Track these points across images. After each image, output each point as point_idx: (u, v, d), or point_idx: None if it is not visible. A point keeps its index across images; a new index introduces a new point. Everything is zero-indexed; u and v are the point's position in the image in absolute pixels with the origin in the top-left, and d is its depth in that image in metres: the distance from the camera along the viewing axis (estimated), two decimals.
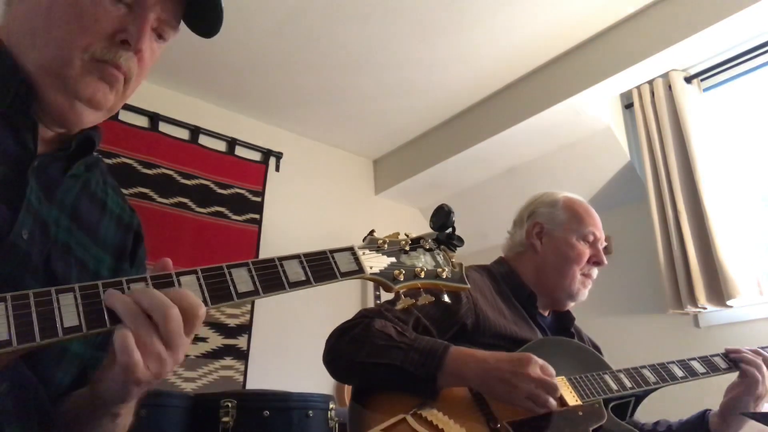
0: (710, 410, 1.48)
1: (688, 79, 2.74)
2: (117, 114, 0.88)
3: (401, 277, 0.81)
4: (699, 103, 2.72)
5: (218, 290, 0.65)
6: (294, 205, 3.54)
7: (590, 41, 2.84)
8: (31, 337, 0.54)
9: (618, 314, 2.94)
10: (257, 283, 0.68)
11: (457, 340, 1.27)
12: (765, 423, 1.23)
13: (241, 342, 3.04)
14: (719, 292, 2.42)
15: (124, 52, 0.77)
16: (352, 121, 3.59)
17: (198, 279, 0.65)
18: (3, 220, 0.69)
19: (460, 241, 0.91)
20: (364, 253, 0.80)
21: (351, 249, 0.79)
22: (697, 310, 2.54)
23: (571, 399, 1.23)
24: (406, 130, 3.70)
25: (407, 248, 0.86)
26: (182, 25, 0.86)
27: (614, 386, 1.32)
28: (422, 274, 0.83)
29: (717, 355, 1.50)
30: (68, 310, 0.57)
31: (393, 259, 0.83)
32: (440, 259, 0.88)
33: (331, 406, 2.20)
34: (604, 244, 1.60)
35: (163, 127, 3.10)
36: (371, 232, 0.85)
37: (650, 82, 2.83)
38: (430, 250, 0.88)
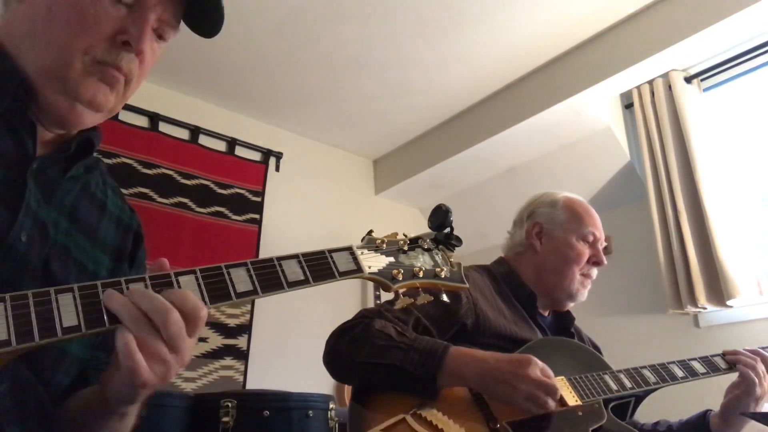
0: (711, 411, 1.48)
1: (688, 79, 2.74)
2: (117, 114, 0.87)
3: (400, 277, 0.81)
4: (699, 103, 2.72)
5: (217, 290, 0.65)
6: (294, 205, 3.54)
7: (590, 41, 2.84)
8: (30, 337, 0.54)
9: (618, 314, 2.94)
10: (256, 282, 0.68)
11: (457, 340, 1.27)
12: (765, 423, 1.23)
13: (241, 342, 3.04)
14: (719, 292, 2.42)
15: (125, 54, 0.77)
16: (352, 121, 3.59)
17: (197, 279, 0.65)
18: (2, 223, 0.68)
19: (459, 240, 0.91)
20: (362, 253, 0.80)
21: (349, 249, 0.79)
22: (697, 310, 2.54)
23: (571, 399, 1.23)
24: (406, 130, 3.70)
25: (406, 248, 0.86)
26: (182, 25, 0.86)
27: (614, 386, 1.31)
28: (421, 274, 0.83)
29: (717, 355, 1.50)
30: (67, 310, 0.57)
31: (391, 259, 0.83)
32: (439, 258, 0.88)
33: (331, 406, 2.20)
34: (604, 244, 1.60)
35: (163, 127, 3.10)
36: (370, 232, 0.85)
37: (650, 82, 2.83)
38: (428, 249, 0.88)
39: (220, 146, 3.33)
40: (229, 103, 3.37)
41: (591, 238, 1.56)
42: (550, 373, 1.15)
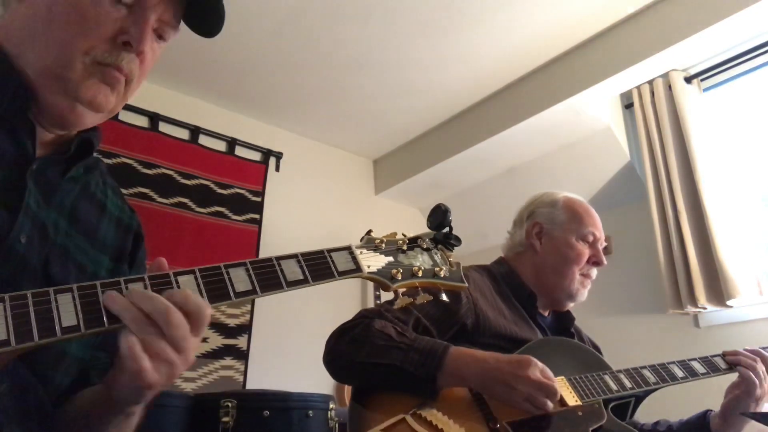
0: (711, 411, 1.48)
1: (688, 79, 2.74)
2: (117, 114, 0.87)
3: (399, 276, 0.81)
4: (699, 103, 2.72)
5: (216, 290, 0.66)
6: (294, 205, 3.54)
7: (590, 41, 2.84)
8: (30, 336, 0.54)
9: (618, 314, 2.94)
10: (255, 282, 0.68)
11: (457, 340, 1.27)
12: (765, 423, 1.23)
13: (241, 342, 3.04)
14: (719, 292, 2.42)
15: (125, 54, 0.77)
16: (352, 121, 3.59)
17: (196, 279, 0.65)
18: (1, 224, 0.68)
19: (458, 240, 0.91)
20: (361, 253, 0.80)
21: (348, 248, 0.80)
22: (697, 310, 2.54)
23: (571, 399, 1.23)
24: (406, 130, 3.70)
25: (405, 248, 0.86)
26: (182, 25, 0.86)
27: (614, 386, 1.31)
28: (420, 273, 0.83)
29: (717, 355, 1.50)
30: (66, 310, 0.57)
31: (390, 259, 0.83)
32: (438, 258, 0.88)
33: (331, 406, 2.20)
34: (604, 244, 1.60)
35: (163, 127, 3.10)
36: (369, 232, 0.85)
37: (650, 82, 2.83)
38: (427, 249, 0.88)
39: (220, 146, 3.33)
40: (229, 103, 3.37)
41: (591, 238, 1.56)
42: (550, 374, 1.14)
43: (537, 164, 3.40)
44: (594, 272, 1.58)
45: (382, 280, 0.80)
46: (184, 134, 3.19)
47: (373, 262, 0.80)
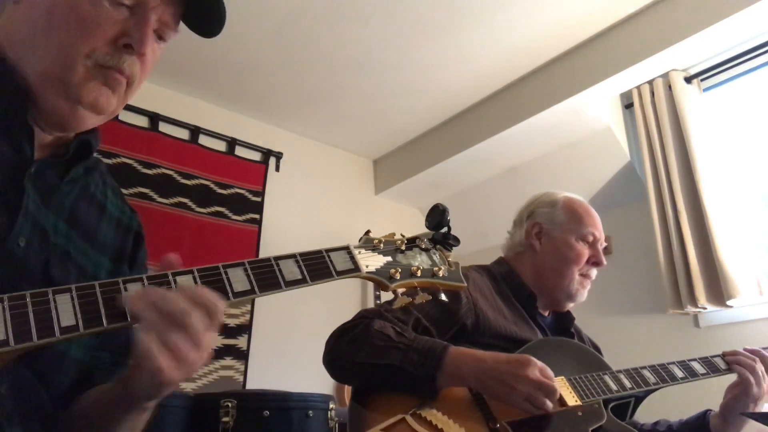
0: (711, 411, 1.48)
1: (688, 79, 2.74)
2: (117, 114, 0.87)
3: (398, 276, 0.81)
4: (699, 103, 2.71)
5: (214, 290, 0.65)
6: (294, 205, 3.54)
7: (590, 41, 2.84)
8: (29, 336, 0.54)
9: (618, 314, 2.94)
10: (253, 282, 0.68)
11: (457, 341, 1.27)
12: (765, 423, 1.23)
13: (241, 342, 3.04)
14: (719, 292, 2.42)
15: (127, 57, 0.76)
16: (352, 121, 3.59)
17: (194, 279, 0.65)
18: (0, 228, 0.68)
19: (456, 240, 0.91)
20: (360, 252, 0.80)
21: (347, 248, 0.80)
22: (697, 310, 2.54)
23: (571, 399, 1.23)
24: (406, 130, 3.70)
25: (403, 248, 0.86)
26: (182, 26, 0.86)
27: (614, 386, 1.31)
28: (419, 273, 0.83)
29: (717, 356, 1.50)
30: (65, 310, 0.57)
31: (389, 258, 0.83)
32: (437, 258, 0.88)
33: (331, 406, 2.20)
34: (604, 244, 1.60)
35: (163, 127, 3.10)
36: (367, 233, 0.85)
37: (650, 82, 2.83)
38: (426, 249, 0.88)
39: (220, 146, 3.33)
40: (229, 103, 3.37)
41: (590, 239, 1.56)
42: (550, 373, 1.14)
43: (537, 164, 3.40)
44: (594, 272, 1.58)
45: (380, 279, 0.80)
46: (184, 134, 3.19)
47: (371, 262, 0.80)
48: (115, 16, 0.75)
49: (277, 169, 3.53)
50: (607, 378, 1.33)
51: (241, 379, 2.98)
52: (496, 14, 2.64)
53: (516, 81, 3.16)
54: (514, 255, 1.64)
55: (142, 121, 3.04)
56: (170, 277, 0.64)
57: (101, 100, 0.76)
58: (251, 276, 0.68)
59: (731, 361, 1.46)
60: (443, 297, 0.86)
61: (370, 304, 3.57)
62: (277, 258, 0.72)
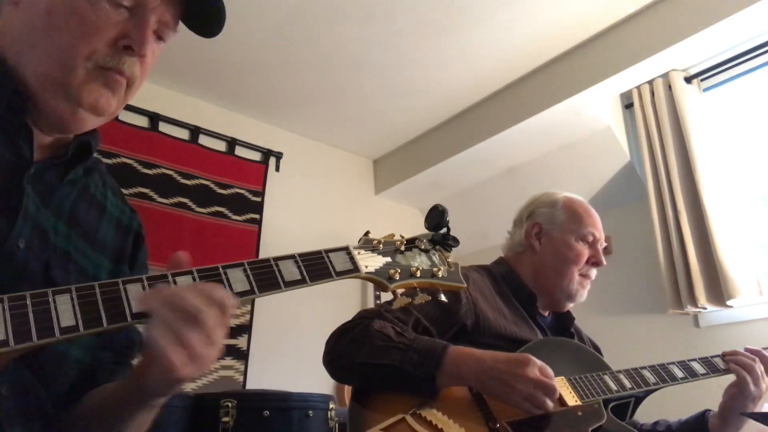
0: (710, 410, 1.48)
1: (688, 79, 2.74)
2: (117, 115, 0.87)
3: (397, 276, 0.81)
4: (699, 103, 2.71)
5: None
6: (294, 205, 3.54)
7: (590, 41, 2.84)
8: (29, 337, 0.54)
9: (618, 314, 2.94)
10: (253, 282, 0.68)
11: (457, 341, 1.27)
12: (764, 423, 1.23)
13: (241, 342, 3.04)
14: (719, 292, 2.42)
15: (127, 58, 0.76)
16: (352, 121, 3.59)
17: (194, 279, 0.65)
18: (0, 230, 0.68)
19: (455, 241, 0.91)
20: (359, 253, 0.80)
21: (346, 249, 0.80)
22: (697, 310, 2.54)
23: (571, 399, 1.23)
24: (406, 130, 3.70)
25: (402, 248, 0.86)
26: (182, 25, 0.86)
27: (614, 387, 1.31)
28: (418, 274, 0.83)
29: (717, 356, 1.50)
30: (65, 310, 0.57)
31: (388, 259, 0.83)
32: (436, 259, 0.88)
33: (331, 406, 2.20)
34: (604, 244, 1.60)
35: (163, 127, 3.10)
36: (366, 233, 0.85)
37: (650, 82, 2.83)
38: (425, 250, 0.88)
39: (220, 146, 3.33)
40: (229, 103, 3.37)
41: (590, 239, 1.56)
42: (550, 372, 1.14)
43: (537, 164, 3.40)
44: (593, 273, 1.58)
45: (379, 280, 0.80)
46: (184, 134, 3.19)
47: (370, 262, 0.80)
48: (115, 18, 0.75)
49: (277, 169, 3.53)
50: (607, 378, 1.33)
51: (241, 379, 2.98)
52: (496, 14, 2.64)
53: (516, 81, 3.16)
54: (514, 255, 1.64)
55: (142, 121, 3.04)
56: (170, 278, 0.64)
57: (101, 101, 0.76)
58: (251, 276, 0.68)
59: (729, 361, 1.46)
60: (442, 298, 0.86)
61: (370, 305, 3.57)
62: (277, 258, 0.72)
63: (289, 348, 3.16)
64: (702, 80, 2.75)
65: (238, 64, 3.01)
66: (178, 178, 3.08)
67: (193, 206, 3.09)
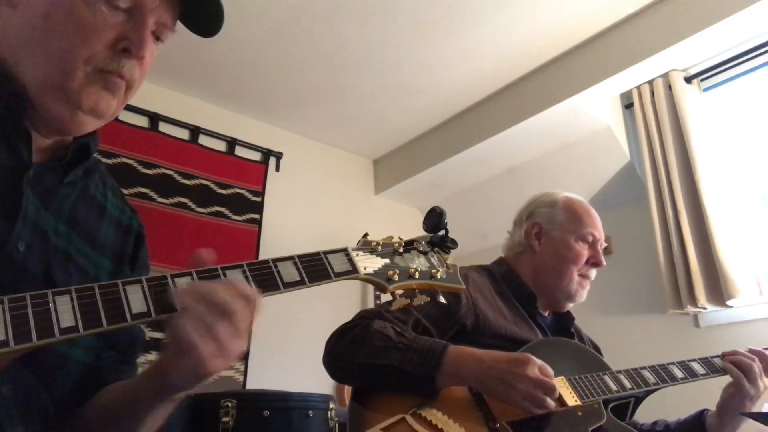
0: (708, 410, 1.48)
1: (688, 79, 2.74)
2: (116, 116, 0.87)
3: (396, 278, 0.82)
4: (699, 103, 2.71)
5: None
6: (294, 205, 3.54)
7: (590, 41, 2.83)
8: (28, 337, 0.55)
9: (618, 314, 2.94)
10: (252, 283, 0.69)
11: (457, 341, 1.27)
12: (764, 423, 1.23)
13: None
14: (719, 292, 2.42)
15: (126, 61, 0.76)
16: (352, 121, 3.59)
17: (194, 280, 0.65)
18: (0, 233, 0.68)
19: (454, 242, 0.91)
20: (358, 255, 0.81)
21: (345, 250, 0.80)
22: (697, 310, 2.54)
23: (571, 399, 1.23)
24: (406, 130, 3.70)
25: (401, 250, 0.86)
26: (182, 26, 0.86)
27: (614, 387, 1.32)
28: (417, 275, 0.84)
29: (717, 356, 1.50)
30: (65, 311, 0.57)
31: (387, 261, 0.83)
32: (434, 260, 0.89)
33: (331, 406, 2.20)
34: (604, 244, 1.60)
35: (163, 127, 3.10)
36: (365, 235, 0.86)
37: (650, 82, 2.83)
38: (424, 252, 0.89)
39: (220, 146, 3.33)
40: (229, 103, 3.37)
41: (590, 239, 1.56)
42: (549, 371, 1.14)
43: (537, 164, 3.40)
44: (593, 273, 1.58)
45: (378, 281, 0.80)
46: (184, 134, 3.19)
47: (369, 263, 0.81)
48: (113, 20, 0.74)
49: (277, 169, 3.53)
50: (606, 378, 1.33)
51: (241, 379, 2.98)
52: (496, 14, 2.64)
53: (516, 81, 3.16)
54: (513, 255, 1.64)
55: (142, 121, 3.04)
56: (169, 280, 0.64)
57: (101, 104, 0.76)
58: (250, 278, 0.69)
59: (730, 361, 1.46)
60: (441, 299, 0.86)
61: (370, 305, 3.57)
62: (276, 260, 0.72)
63: (289, 348, 3.16)
64: (702, 80, 2.75)
65: (238, 64, 3.01)
66: (178, 178, 3.08)
67: (193, 206, 3.09)
